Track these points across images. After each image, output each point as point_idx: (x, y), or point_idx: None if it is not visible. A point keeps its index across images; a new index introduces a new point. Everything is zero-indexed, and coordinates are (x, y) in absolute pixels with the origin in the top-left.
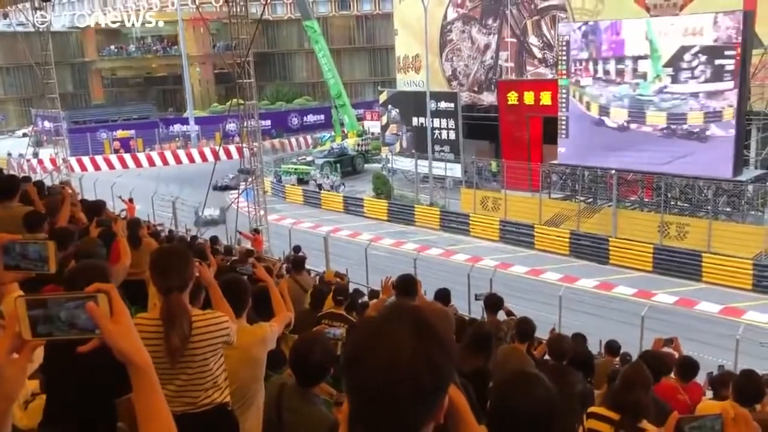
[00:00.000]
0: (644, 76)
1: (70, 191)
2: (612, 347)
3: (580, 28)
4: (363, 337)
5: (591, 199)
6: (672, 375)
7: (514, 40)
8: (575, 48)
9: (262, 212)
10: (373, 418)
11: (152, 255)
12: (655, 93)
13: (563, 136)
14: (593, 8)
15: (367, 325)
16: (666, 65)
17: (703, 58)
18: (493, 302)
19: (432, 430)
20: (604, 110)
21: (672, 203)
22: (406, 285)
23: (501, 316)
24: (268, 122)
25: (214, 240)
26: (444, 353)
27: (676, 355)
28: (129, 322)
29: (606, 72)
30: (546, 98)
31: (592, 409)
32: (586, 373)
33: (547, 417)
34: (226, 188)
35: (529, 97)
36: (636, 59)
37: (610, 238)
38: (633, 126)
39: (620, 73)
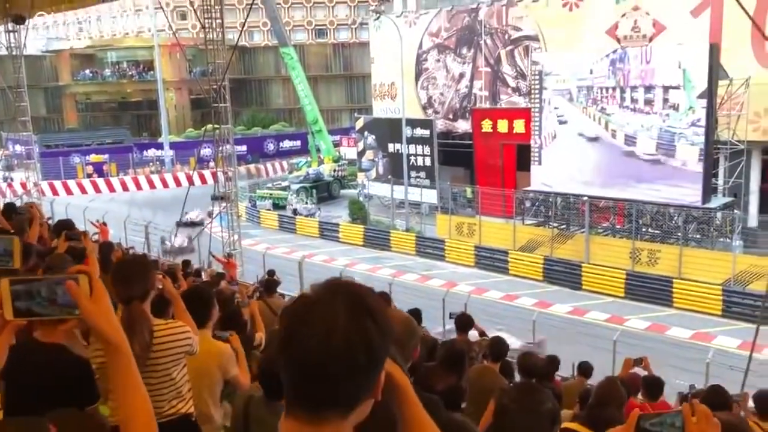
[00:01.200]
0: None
1: (37, 213)
2: (584, 368)
3: (607, 55)
4: (297, 314)
5: (564, 226)
6: (639, 396)
7: (489, 69)
8: (601, 75)
9: (236, 237)
10: (308, 395)
11: (114, 264)
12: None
13: (536, 163)
14: (565, 39)
15: (302, 302)
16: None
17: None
18: (463, 322)
19: (372, 406)
20: (631, 139)
21: (643, 230)
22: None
23: (474, 336)
24: (244, 147)
25: (186, 264)
26: (378, 328)
27: (643, 374)
28: (108, 303)
29: (634, 100)
30: (519, 126)
31: (565, 424)
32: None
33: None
34: (192, 224)
35: (502, 125)
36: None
37: (583, 264)
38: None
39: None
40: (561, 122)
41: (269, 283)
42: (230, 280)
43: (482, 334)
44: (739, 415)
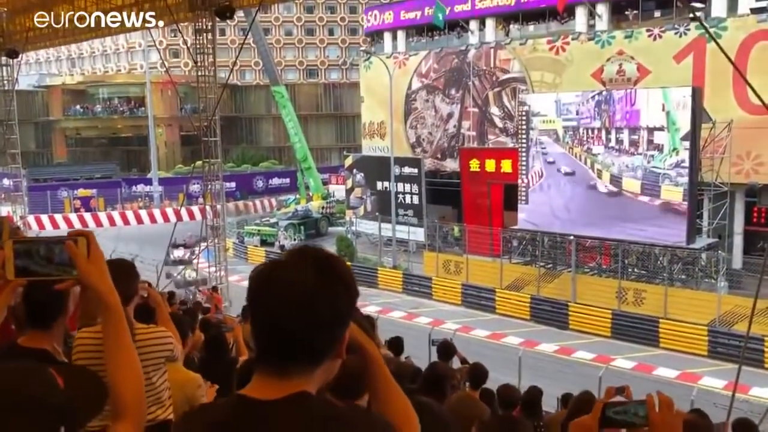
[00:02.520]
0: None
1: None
2: (567, 399)
3: (593, 97)
4: (265, 274)
5: (551, 265)
6: None
7: (476, 109)
8: (587, 116)
9: (222, 272)
10: (274, 350)
11: None
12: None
13: (523, 202)
14: (551, 81)
15: (270, 263)
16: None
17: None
18: (445, 349)
19: (337, 367)
20: (616, 179)
21: (629, 270)
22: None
23: (456, 364)
24: (233, 184)
25: (171, 295)
26: (343, 286)
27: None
28: (104, 265)
29: (619, 141)
30: (507, 166)
31: None
32: (534, 415)
33: None
34: (180, 262)
35: (490, 165)
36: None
37: (569, 303)
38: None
39: (634, 143)
40: (548, 162)
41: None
42: (215, 311)
43: (464, 361)
44: (705, 415)
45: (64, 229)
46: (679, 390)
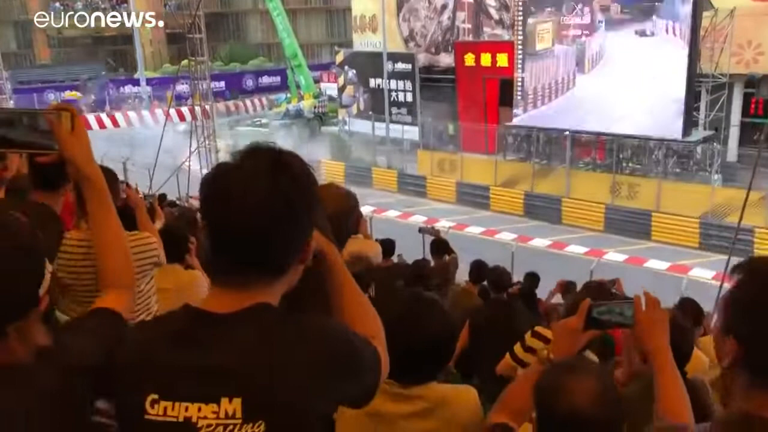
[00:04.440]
0: None
1: None
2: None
3: None
4: (216, 181)
5: (546, 161)
6: None
7: (471, 0)
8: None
9: None
10: (232, 258)
11: None
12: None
13: (519, 97)
14: None
15: (220, 168)
16: None
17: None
18: (439, 246)
19: (300, 273)
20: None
21: (624, 164)
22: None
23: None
24: (222, 84)
25: (162, 197)
26: (297, 185)
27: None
28: (87, 140)
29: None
30: (503, 60)
31: (537, 328)
32: (529, 306)
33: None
34: None
35: (485, 59)
36: None
37: (563, 198)
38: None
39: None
40: (544, 55)
41: None
42: None
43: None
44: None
45: None
46: (668, 282)
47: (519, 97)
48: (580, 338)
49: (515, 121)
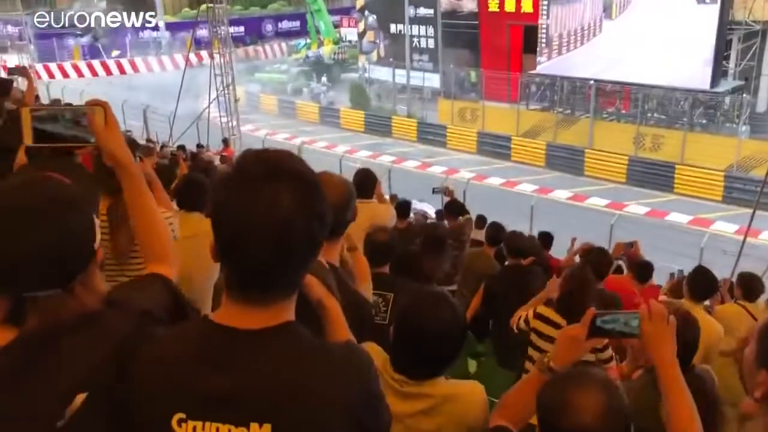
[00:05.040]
0: None
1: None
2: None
3: None
4: (234, 199)
5: (569, 110)
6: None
7: None
8: None
9: (234, 122)
10: (258, 274)
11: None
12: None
13: (543, 44)
14: None
15: (234, 181)
16: None
17: None
18: (454, 207)
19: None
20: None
21: (649, 115)
22: (361, 183)
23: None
24: (242, 29)
25: (181, 148)
26: (315, 203)
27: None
28: (120, 133)
29: None
30: (527, 5)
31: (539, 309)
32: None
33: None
34: None
35: (510, 4)
36: None
37: (585, 149)
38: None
39: None
40: (570, 1)
41: None
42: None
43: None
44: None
45: (74, 78)
46: (690, 236)
47: (543, 44)
48: (583, 346)
49: (538, 69)
